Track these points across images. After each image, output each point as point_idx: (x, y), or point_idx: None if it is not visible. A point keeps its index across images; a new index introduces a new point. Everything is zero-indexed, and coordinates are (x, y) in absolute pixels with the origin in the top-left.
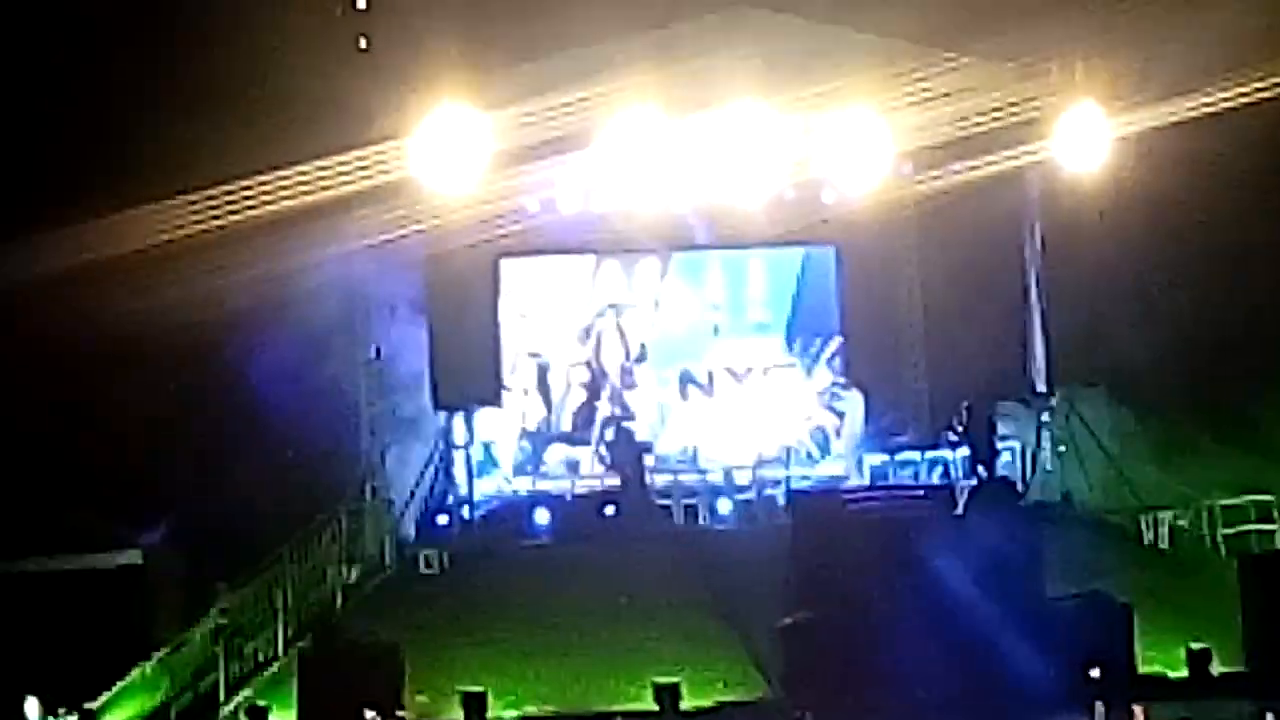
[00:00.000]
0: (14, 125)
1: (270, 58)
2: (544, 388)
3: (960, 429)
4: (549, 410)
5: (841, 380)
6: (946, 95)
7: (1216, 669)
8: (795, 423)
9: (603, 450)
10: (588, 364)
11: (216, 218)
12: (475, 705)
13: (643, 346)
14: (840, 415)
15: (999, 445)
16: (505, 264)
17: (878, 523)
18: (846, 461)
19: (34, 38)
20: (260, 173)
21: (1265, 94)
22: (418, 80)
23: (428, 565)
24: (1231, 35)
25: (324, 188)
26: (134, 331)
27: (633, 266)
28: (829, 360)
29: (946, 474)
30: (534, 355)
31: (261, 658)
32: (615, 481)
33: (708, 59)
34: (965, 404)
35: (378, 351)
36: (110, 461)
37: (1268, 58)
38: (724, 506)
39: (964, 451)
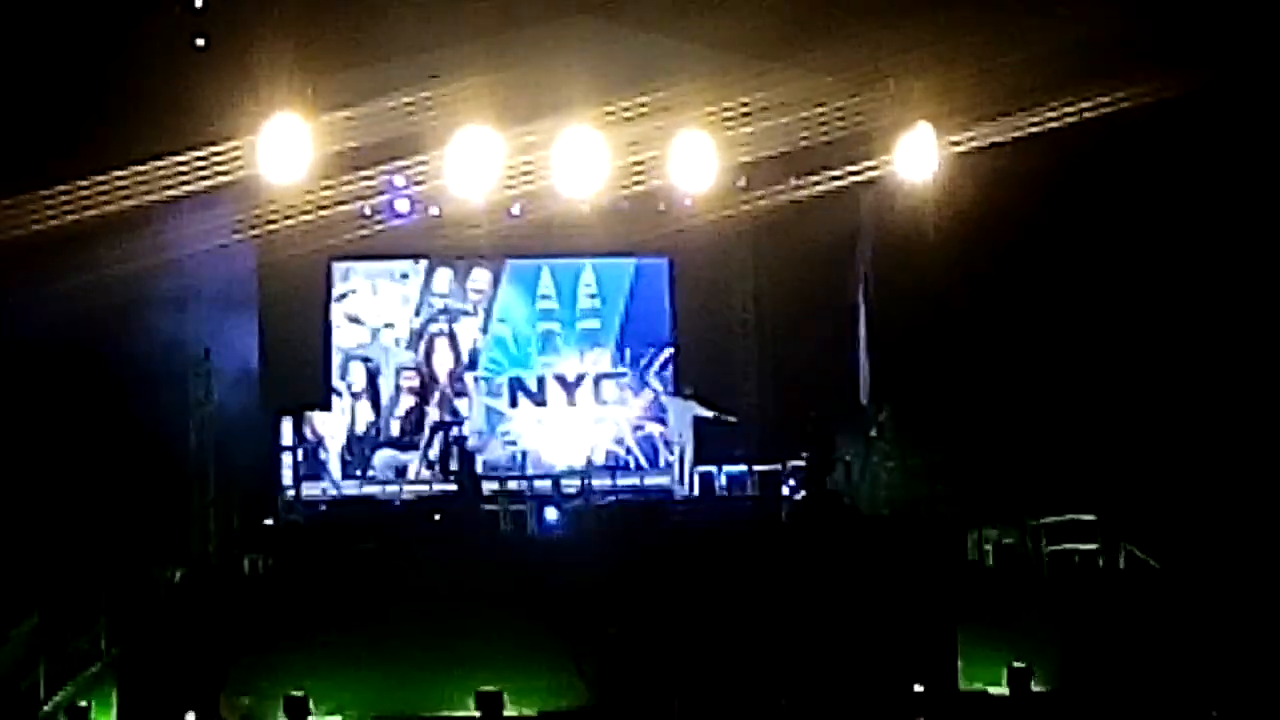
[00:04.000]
0: None
1: (106, 53)
2: (373, 392)
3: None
4: (378, 415)
5: (669, 390)
6: (781, 108)
7: (1036, 687)
8: (624, 432)
9: (431, 455)
10: (418, 369)
11: (47, 218)
12: (297, 709)
13: (474, 353)
14: (665, 424)
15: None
16: (337, 267)
17: (701, 533)
18: (674, 472)
19: None
20: (94, 172)
21: (1096, 111)
22: (254, 81)
23: (253, 567)
24: (1064, 52)
25: (158, 188)
26: None
27: (465, 273)
28: (659, 370)
29: (775, 486)
30: (364, 359)
31: (82, 658)
32: (443, 487)
33: (542, 67)
34: (811, 414)
35: (206, 352)
36: None
37: (1100, 75)
38: (551, 514)
39: (797, 462)
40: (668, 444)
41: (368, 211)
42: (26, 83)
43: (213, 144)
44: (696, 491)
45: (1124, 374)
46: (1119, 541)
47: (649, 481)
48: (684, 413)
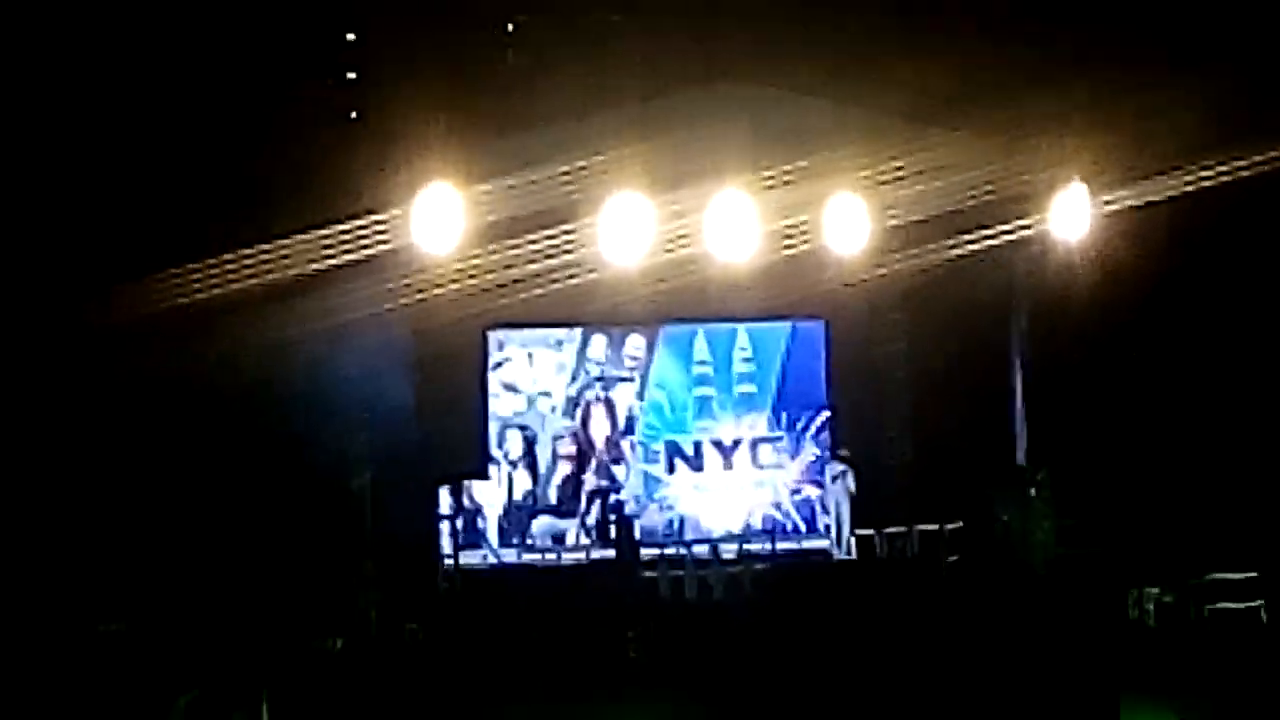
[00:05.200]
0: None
1: (264, 128)
2: (531, 459)
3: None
4: (535, 482)
5: (828, 454)
6: (934, 169)
7: None
8: (782, 496)
9: (589, 522)
10: (575, 436)
11: (210, 288)
12: None
13: (630, 419)
14: (823, 488)
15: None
16: (493, 335)
17: (861, 596)
18: (832, 535)
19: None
20: (254, 243)
21: (1248, 171)
22: (407, 152)
23: (413, 636)
24: (1216, 113)
25: (316, 258)
26: (128, 406)
27: (621, 339)
28: (816, 434)
29: (933, 547)
30: (521, 427)
31: None
32: (602, 554)
33: (693, 131)
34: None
35: (366, 420)
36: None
37: (1250, 136)
38: (711, 580)
39: (953, 525)
40: (825, 508)
41: (522, 280)
42: (191, 158)
43: (368, 214)
44: (854, 554)
45: None
46: None
47: (807, 545)
48: (840, 479)
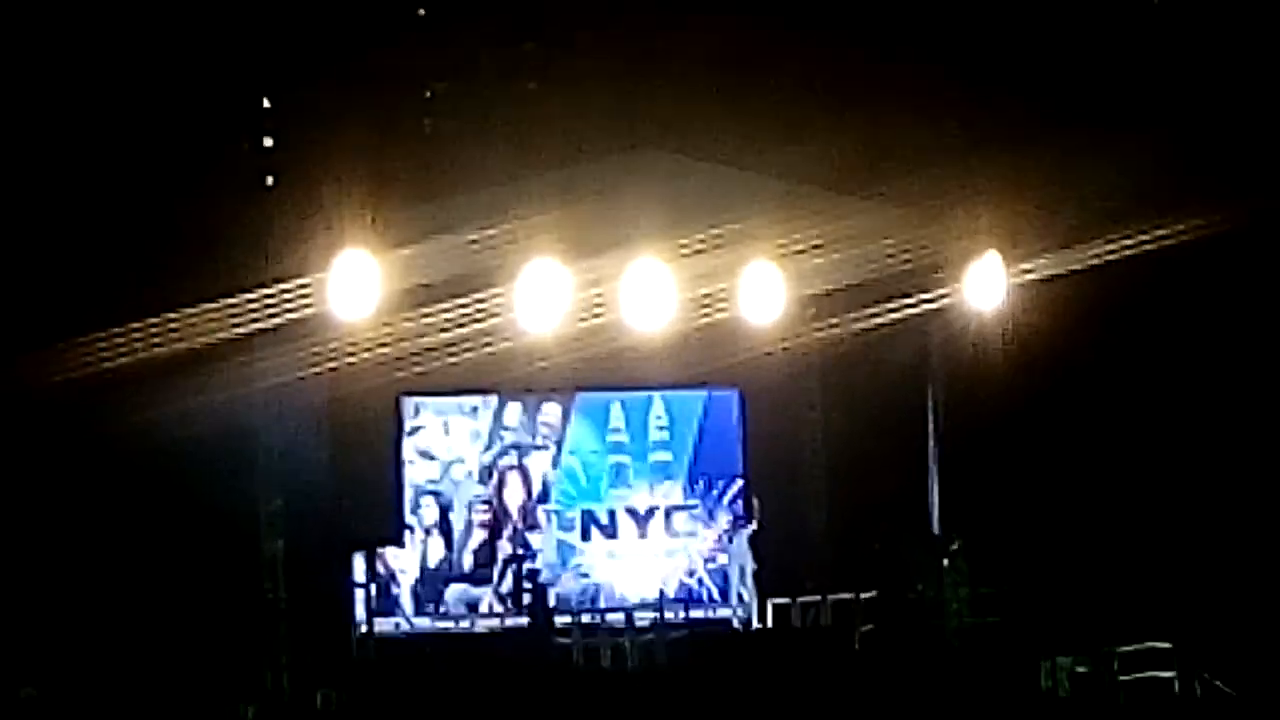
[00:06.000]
0: None
1: (176, 193)
2: (445, 526)
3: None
4: (450, 549)
5: (742, 522)
6: (850, 239)
7: None
8: (696, 564)
9: (504, 589)
10: (489, 503)
11: (119, 355)
12: None
13: (545, 486)
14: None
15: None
16: (407, 402)
17: (775, 665)
18: (744, 603)
19: None
20: (164, 309)
21: (1159, 242)
22: (323, 218)
23: (325, 703)
24: (1128, 186)
25: (229, 325)
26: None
27: (536, 407)
28: (730, 502)
29: (848, 616)
30: (436, 494)
31: None
32: (516, 621)
33: (610, 200)
34: (876, 545)
35: (277, 488)
36: None
37: (1163, 208)
38: (626, 648)
39: (868, 594)
40: (741, 574)
41: (437, 346)
42: (104, 221)
43: (282, 280)
44: (760, 619)
45: (1196, 502)
46: (1195, 669)
47: (721, 614)
48: (741, 541)
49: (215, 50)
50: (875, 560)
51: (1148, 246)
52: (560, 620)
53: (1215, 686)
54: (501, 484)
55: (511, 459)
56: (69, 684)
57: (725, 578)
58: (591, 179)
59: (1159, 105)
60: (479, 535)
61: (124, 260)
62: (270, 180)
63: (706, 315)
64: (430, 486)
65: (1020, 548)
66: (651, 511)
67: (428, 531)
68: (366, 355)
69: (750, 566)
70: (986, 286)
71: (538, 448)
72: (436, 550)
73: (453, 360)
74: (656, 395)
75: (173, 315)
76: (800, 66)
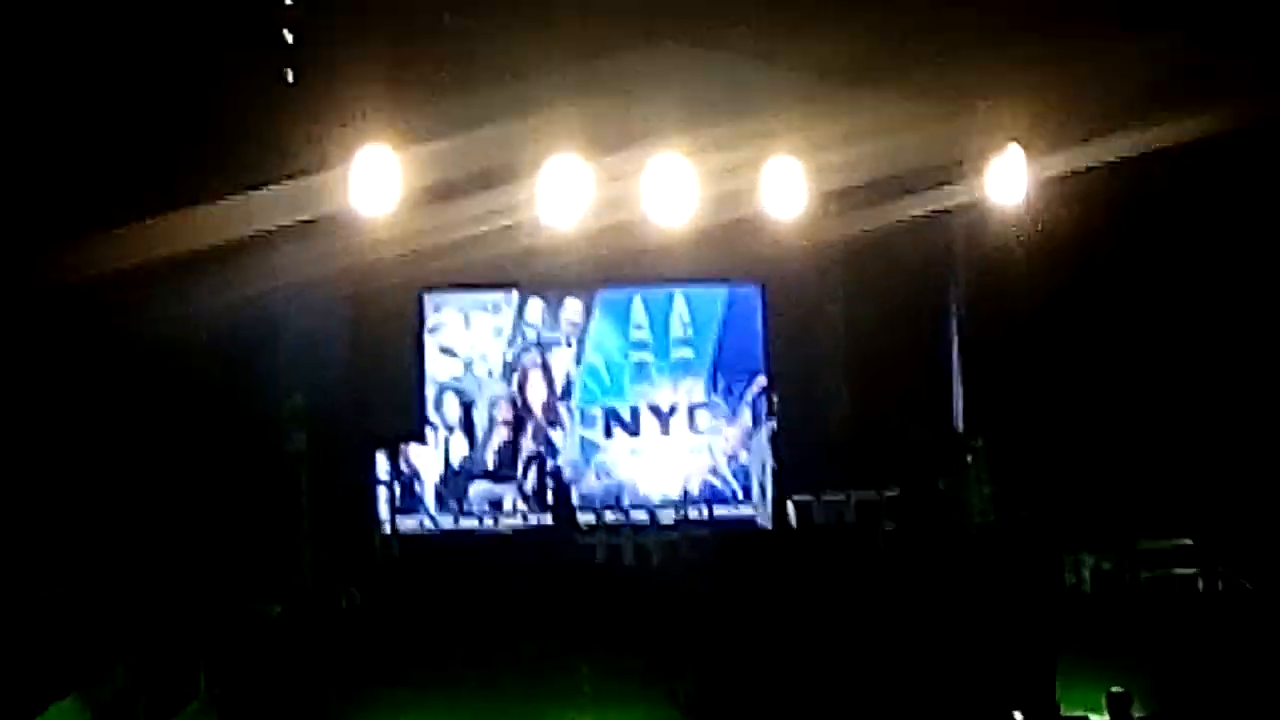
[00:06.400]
0: None
1: (193, 89)
2: (468, 424)
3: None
4: (472, 447)
5: (765, 419)
6: (872, 132)
7: (1135, 713)
8: (719, 461)
9: (527, 488)
10: (512, 401)
11: (136, 253)
12: None
13: (568, 384)
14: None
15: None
16: (429, 298)
17: (797, 563)
18: (766, 499)
19: None
20: (181, 206)
21: (1186, 134)
22: (343, 114)
23: (350, 602)
24: (1154, 76)
25: (247, 222)
26: (55, 372)
27: (558, 303)
28: (754, 399)
29: (871, 513)
30: (458, 391)
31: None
32: (539, 519)
33: (631, 94)
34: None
35: (298, 384)
36: None
37: (1191, 99)
38: (649, 547)
39: (891, 492)
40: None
41: (458, 243)
42: (114, 119)
43: (303, 176)
44: (793, 520)
45: (1220, 396)
46: (1217, 565)
47: (744, 511)
48: (760, 438)
49: None
50: (897, 456)
51: (1173, 139)
52: (584, 519)
53: (1237, 582)
54: (524, 381)
55: (534, 356)
56: (90, 585)
57: (748, 475)
58: (612, 73)
59: None
60: (502, 433)
61: (143, 157)
62: (290, 76)
63: (728, 210)
64: (453, 383)
65: (1043, 444)
66: (674, 408)
67: (450, 429)
68: (387, 252)
69: (770, 464)
70: (1009, 181)
71: (560, 344)
72: (459, 448)
73: (474, 256)
74: (678, 292)
75: (191, 212)
76: None
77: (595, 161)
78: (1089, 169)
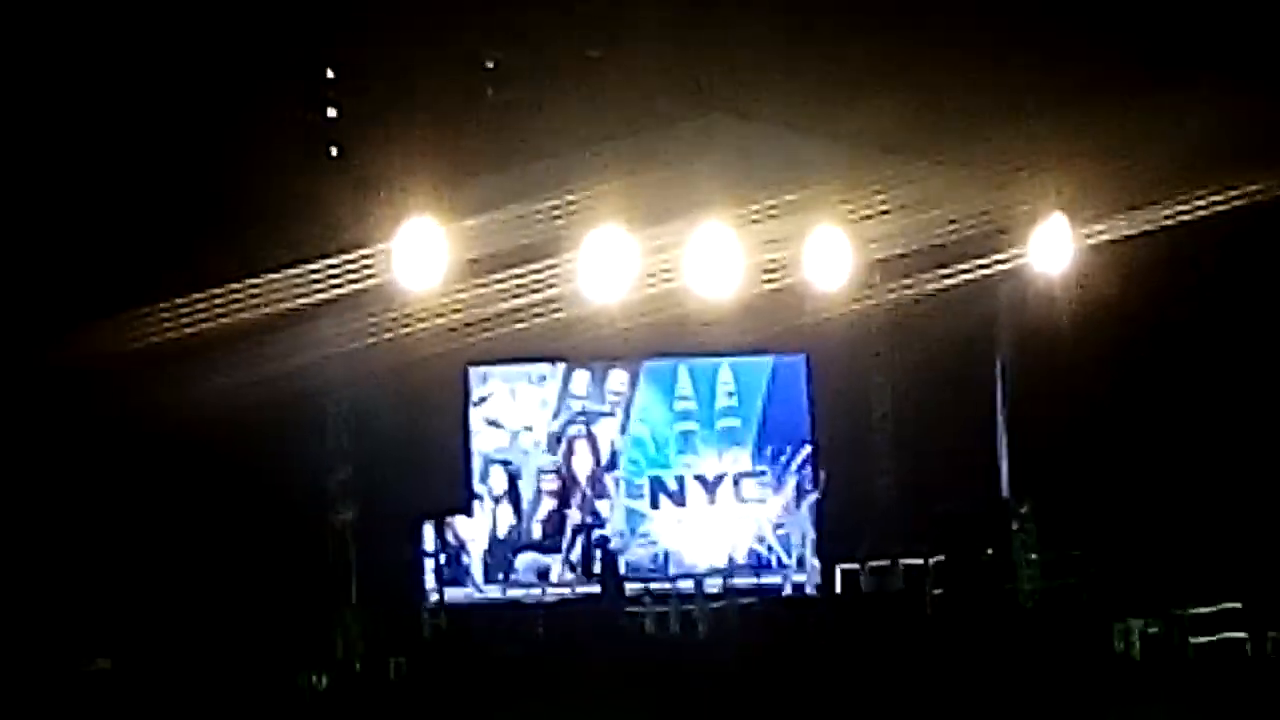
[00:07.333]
0: None
1: (243, 164)
2: (514, 495)
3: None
4: (519, 518)
5: (809, 488)
6: (917, 202)
7: None
8: (765, 530)
9: (573, 558)
10: (558, 471)
11: (186, 326)
12: None
13: (613, 454)
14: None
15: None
16: (474, 371)
17: (846, 631)
18: (806, 569)
19: None
20: (231, 280)
21: (1230, 204)
22: (388, 188)
23: (397, 672)
24: (1198, 145)
25: (296, 295)
26: (107, 445)
27: (603, 375)
28: (799, 468)
29: (919, 582)
30: (504, 463)
31: None
32: (586, 589)
33: (674, 165)
34: (940, 510)
35: (345, 457)
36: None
37: (1234, 167)
38: (696, 616)
39: (938, 558)
40: (805, 541)
41: (503, 315)
42: (170, 193)
43: (350, 250)
44: (836, 587)
45: (1268, 461)
46: (1267, 629)
47: (795, 579)
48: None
49: (279, 21)
50: (943, 524)
51: (1219, 207)
52: (630, 588)
53: None
54: (570, 452)
55: (579, 427)
56: (141, 655)
57: (794, 543)
58: (656, 144)
59: (1232, 58)
60: (548, 504)
61: (192, 232)
62: (335, 151)
63: (772, 280)
64: (498, 455)
65: (1089, 511)
66: (720, 478)
67: (496, 500)
68: (433, 324)
69: (811, 536)
70: (1053, 248)
71: (605, 415)
72: (505, 519)
73: (519, 328)
74: (724, 362)
75: (240, 286)
76: (864, 28)
77: (640, 233)
78: (1134, 236)
